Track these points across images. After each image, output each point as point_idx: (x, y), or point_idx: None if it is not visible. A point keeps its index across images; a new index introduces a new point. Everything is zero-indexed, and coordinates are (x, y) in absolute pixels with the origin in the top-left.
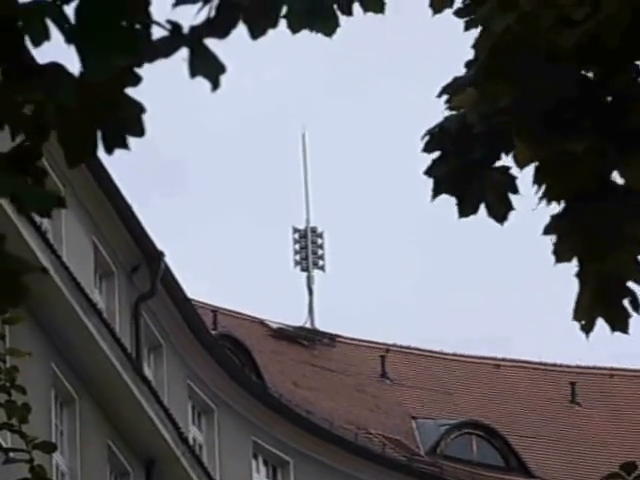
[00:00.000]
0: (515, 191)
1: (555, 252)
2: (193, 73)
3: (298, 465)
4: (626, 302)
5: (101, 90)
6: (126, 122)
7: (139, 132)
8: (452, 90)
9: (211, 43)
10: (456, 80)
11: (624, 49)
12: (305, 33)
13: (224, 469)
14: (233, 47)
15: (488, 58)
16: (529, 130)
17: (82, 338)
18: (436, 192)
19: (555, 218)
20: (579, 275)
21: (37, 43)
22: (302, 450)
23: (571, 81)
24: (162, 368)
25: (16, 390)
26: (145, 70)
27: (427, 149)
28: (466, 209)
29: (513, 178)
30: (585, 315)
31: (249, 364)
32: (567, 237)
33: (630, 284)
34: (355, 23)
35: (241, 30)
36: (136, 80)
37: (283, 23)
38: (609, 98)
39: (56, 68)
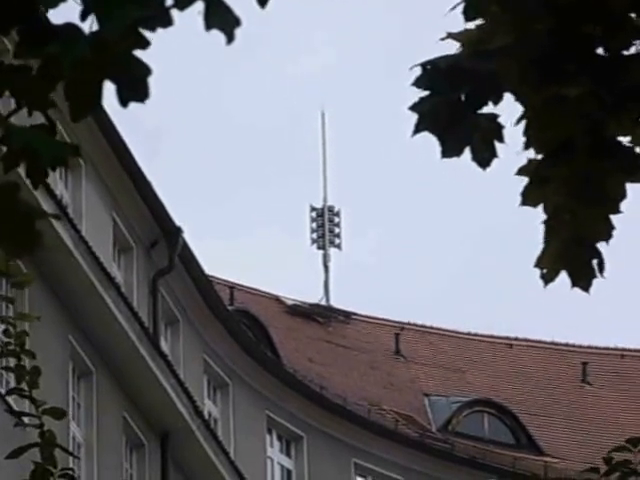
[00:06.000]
0: (501, 140)
1: (523, 194)
2: (208, 26)
3: (311, 440)
4: (594, 262)
5: (112, 48)
6: (133, 82)
7: (143, 94)
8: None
9: None
10: (450, 35)
11: (629, 9)
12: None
13: (238, 443)
14: (254, 29)
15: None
16: (525, 73)
17: (100, 312)
18: (418, 128)
19: (532, 161)
20: (547, 222)
21: (52, 5)
22: (316, 425)
23: (570, 34)
24: (178, 342)
25: (26, 355)
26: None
27: (417, 84)
28: (450, 150)
29: (500, 126)
30: (549, 264)
31: (264, 340)
32: (542, 183)
33: (600, 245)
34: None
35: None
36: (145, 43)
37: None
38: (609, 54)
39: (71, 28)
